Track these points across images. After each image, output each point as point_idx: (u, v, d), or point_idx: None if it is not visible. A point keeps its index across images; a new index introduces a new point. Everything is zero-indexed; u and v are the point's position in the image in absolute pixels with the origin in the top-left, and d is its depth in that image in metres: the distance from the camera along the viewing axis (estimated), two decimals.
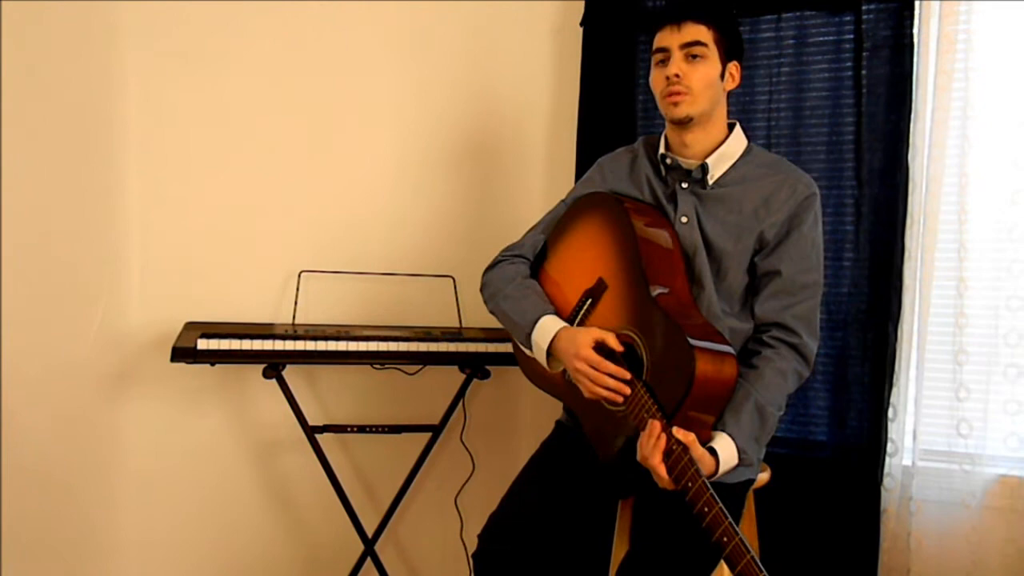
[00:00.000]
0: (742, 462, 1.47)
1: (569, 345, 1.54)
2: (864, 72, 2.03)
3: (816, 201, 1.63)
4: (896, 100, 2.01)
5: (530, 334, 1.62)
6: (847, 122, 2.06)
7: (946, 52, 1.99)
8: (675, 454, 1.36)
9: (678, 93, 1.58)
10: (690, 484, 1.33)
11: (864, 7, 2.02)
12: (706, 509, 1.29)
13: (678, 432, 1.38)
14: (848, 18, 2.05)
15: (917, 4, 1.99)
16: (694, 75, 1.58)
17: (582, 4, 2.28)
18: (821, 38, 2.09)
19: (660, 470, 1.36)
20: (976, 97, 1.98)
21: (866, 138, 2.03)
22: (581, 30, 2.29)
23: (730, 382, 1.45)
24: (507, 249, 1.81)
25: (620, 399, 1.49)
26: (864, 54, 2.03)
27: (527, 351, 1.67)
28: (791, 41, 2.11)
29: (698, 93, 1.59)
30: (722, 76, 1.63)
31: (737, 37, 1.67)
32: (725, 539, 1.26)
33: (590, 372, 1.50)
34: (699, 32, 1.58)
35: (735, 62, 1.65)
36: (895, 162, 2.01)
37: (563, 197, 1.82)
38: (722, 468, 1.43)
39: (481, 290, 1.79)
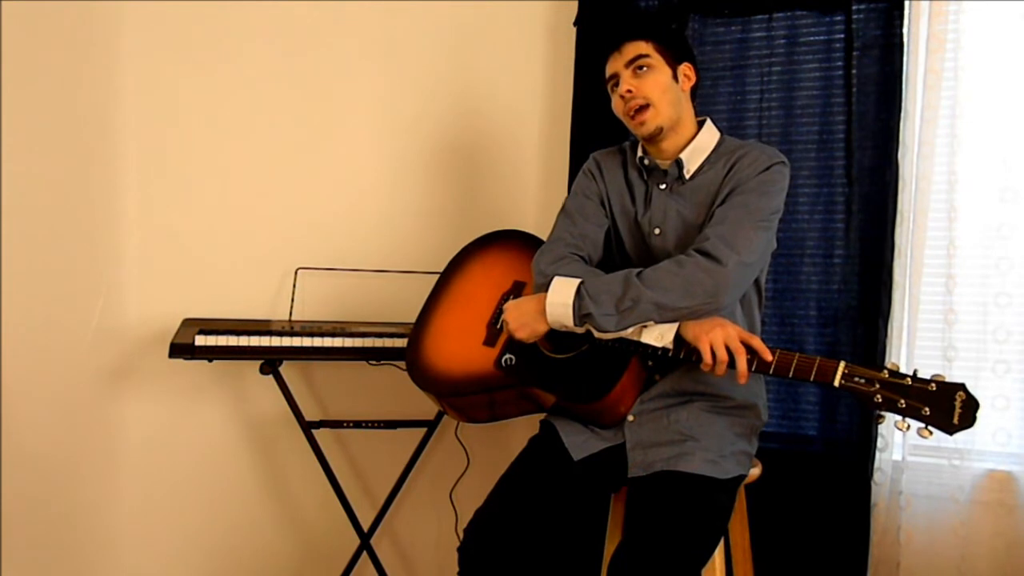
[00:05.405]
0: (582, 297, 1.54)
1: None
2: (854, 71, 2.05)
3: (778, 168, 1.60)
4: (886, 99, 2.03)
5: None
6: (838, 121, 2.08)
7: (935, 51, 2.01)
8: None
9: (639, 108, 1.63)
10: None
11: (854, 7, 2.04)
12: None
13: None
14: (839, 18, 2.07)
15: (907, 4, 2.01)
16: (646, 85, 1.64)
17: (575, 4, 2.30)
18: (812, 38, 2.11)
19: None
20: (965, 96, 2.00)
21: (856, 137, 2.05)
22: (575, 30, 2.30)
23: None
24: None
25: None
26: (854, 53, 2.05)
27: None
28: (782, 41, 2.13)
29: (657, 100, 1.63)
30: (676, 79, 1.67)
31: (679, 41, 1.72)
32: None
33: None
34: (638, 47, 1.65)
35: (686, 63, 1.69)
36: (885, 160, 2.02)
37: (562, 201, 1.82)
38: (551, 294, 1.58)
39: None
